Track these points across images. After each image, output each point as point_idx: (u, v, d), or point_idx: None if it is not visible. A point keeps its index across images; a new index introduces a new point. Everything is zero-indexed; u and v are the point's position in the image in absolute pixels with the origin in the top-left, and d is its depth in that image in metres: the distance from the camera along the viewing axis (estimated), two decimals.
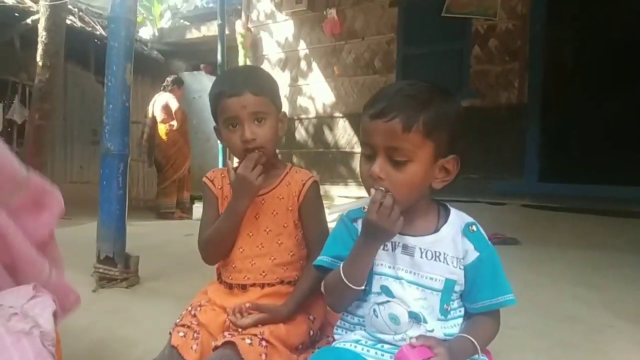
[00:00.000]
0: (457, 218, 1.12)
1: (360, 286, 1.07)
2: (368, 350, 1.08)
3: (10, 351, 0.88)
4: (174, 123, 6.17)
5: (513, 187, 4.40)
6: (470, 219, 1.12)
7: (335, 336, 1.18)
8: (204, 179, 1.49)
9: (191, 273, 2.04)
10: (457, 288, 1.09)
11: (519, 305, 1.34)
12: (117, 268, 2.03)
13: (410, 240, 1.09)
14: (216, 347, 1.21)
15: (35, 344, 0.93)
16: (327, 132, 5.91)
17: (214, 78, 7.81)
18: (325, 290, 1.16)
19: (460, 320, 1.12)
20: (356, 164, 5.51)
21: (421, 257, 1.08)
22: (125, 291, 1.97)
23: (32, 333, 0.94)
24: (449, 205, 1.16)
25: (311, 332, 1.34)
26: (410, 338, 1.05)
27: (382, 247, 1.10)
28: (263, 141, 1.34)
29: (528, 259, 2.38)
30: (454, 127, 1.07)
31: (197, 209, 5.65)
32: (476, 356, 1.08)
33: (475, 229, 1.10)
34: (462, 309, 1.13)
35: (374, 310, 1.09)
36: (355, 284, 1.07)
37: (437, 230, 1.10)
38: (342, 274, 1.07)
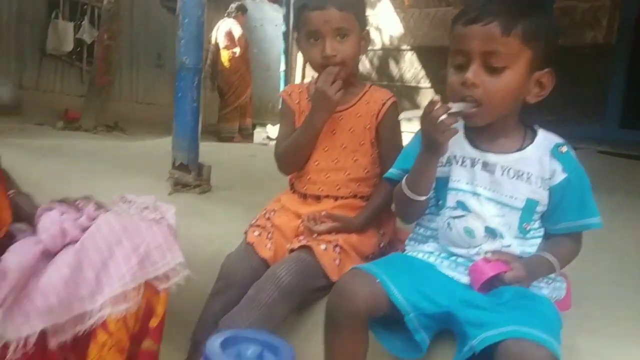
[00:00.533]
0: (545, 139, 1.08)
1: (421, 197, 1.08)
2: (442, 262, 1.09)
3: (143, 233, 1.07)
4: (237, 50, 6.16)
5: (591, 132, 4.14)
6: (560, 140, 1.07)
7: (407, 247, 1.20)
8: (282, 93, 1.53)
9: (260, 187, 2.11)
10: (539, 209, 1.07)
11: (593, 246, 1.30)
12: (191, 175, 2.12)
13: (491, 158, 1.06)
14: (292, 250, 1.27)
15: (163, 231, 1.10)
16: (392, 65, 5.72)
17: (276, 7, 7.68)
18: (394, 201, 1.18)
19: (539, 240, 1.10)
20: (421, 99, 5.33)
21: (502, 175, 1.05)
22: (198, 197, 2.08)
23: (161, 223, 1.12)
24: (536, 127, 1.11)
25: (381, 245, 1.38)
26: (486, 252, 1.05)
27: (460, 164, 1.09)
28: (344, 58, 1.33)
29: (602, 206, 2.26)
30: (550, 39, 1.03)
31: (258, 134, 5.75)
32: (553, 275, 1.08)
33: (565, 150, 1.06)
34: (542, 230, 1.11)
35: (449, 224, 1.09)
36: (416, 193, 1.07)
37: (521, 148, 1.07)
38: (403, 184, 1.09)
